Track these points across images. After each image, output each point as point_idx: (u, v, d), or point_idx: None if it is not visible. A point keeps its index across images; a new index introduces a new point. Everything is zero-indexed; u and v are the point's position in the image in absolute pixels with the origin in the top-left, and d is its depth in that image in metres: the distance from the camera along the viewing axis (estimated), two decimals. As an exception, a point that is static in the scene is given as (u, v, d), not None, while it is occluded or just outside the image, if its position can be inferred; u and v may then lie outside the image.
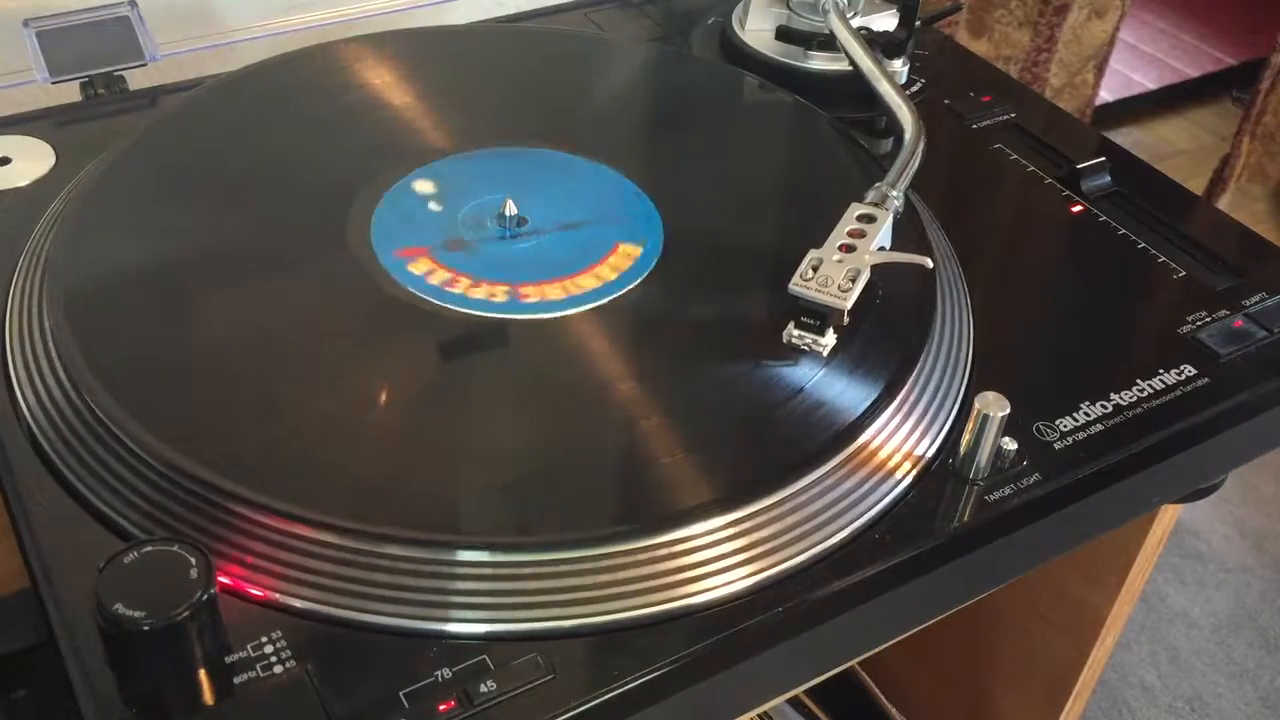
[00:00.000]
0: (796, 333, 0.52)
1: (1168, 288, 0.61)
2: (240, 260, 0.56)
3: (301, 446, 0.47)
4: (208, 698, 0.40)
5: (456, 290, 0.54)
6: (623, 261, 0.57)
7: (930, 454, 0.51)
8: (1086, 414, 0.53)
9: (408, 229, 0.58)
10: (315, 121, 0.66)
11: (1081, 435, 0.52)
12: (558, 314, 0.54)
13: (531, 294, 0.55)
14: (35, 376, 0.50)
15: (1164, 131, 1.79)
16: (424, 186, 0.61)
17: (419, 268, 0.55)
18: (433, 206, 0.60)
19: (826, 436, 0.49)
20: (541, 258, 0.57)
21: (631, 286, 0.56)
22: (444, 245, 0.57)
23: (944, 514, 0.49)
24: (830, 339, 0.52)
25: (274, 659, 0.41)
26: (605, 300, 0.55)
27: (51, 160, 0.63)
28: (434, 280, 0.55)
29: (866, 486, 0.48)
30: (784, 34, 0.74)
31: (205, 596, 0.39)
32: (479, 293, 0.54)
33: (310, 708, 0.40)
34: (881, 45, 0.72)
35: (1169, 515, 0.67)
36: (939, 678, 0.88)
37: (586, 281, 0.56)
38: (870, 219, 0.55)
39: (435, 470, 0.47)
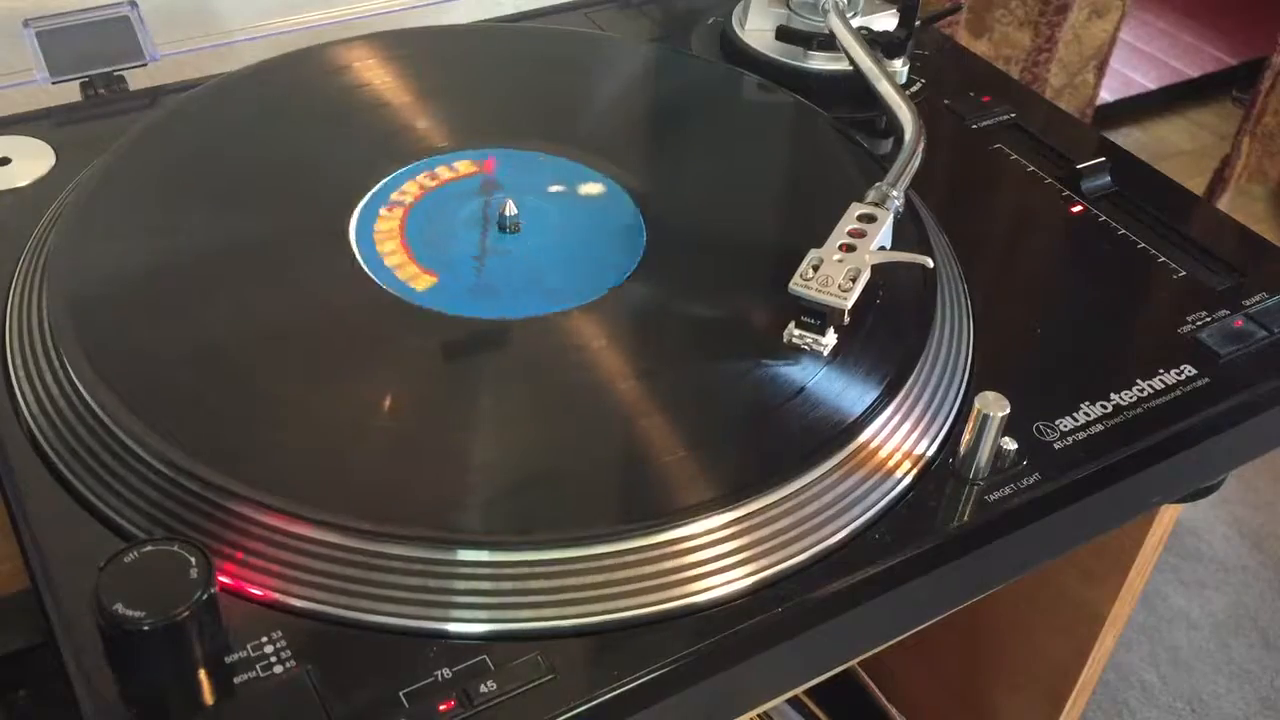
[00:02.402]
0: (797, 332, 0.52)
1: (1168, 288, 0.61)
2: (240, 260, 0.56)
3: (302, 446, 0.47)
4: (208, 698, 0.40)
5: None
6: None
7: (930, 454, 0.50)
8: (1086, 414, 0.53)
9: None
10: (315, 121, 0.66)
11: (1081, 435, 0.52)
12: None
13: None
14: (35, 376, 0.50)
15: (1164, 131, 1.79)
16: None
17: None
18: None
19: (827, 436, 0.49)
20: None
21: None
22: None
23: (944, 514, 0.48)
24: (831, 338, 0.52)
25: (274, 659, 0.41)
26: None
27: (51, 160, 0.63)
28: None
29: (866, 486, 0.48)
30: (784, 34, 0.74)
31: (205, 596, 0.39)
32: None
33: (310, 708, 0.40)
34: (881, 45, 0.72)
35: (1169, 515, 0.67)
36: (939, 678, 0.88)
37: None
38: (870, 219, 0.55)
39: (435, 470, 0.47)
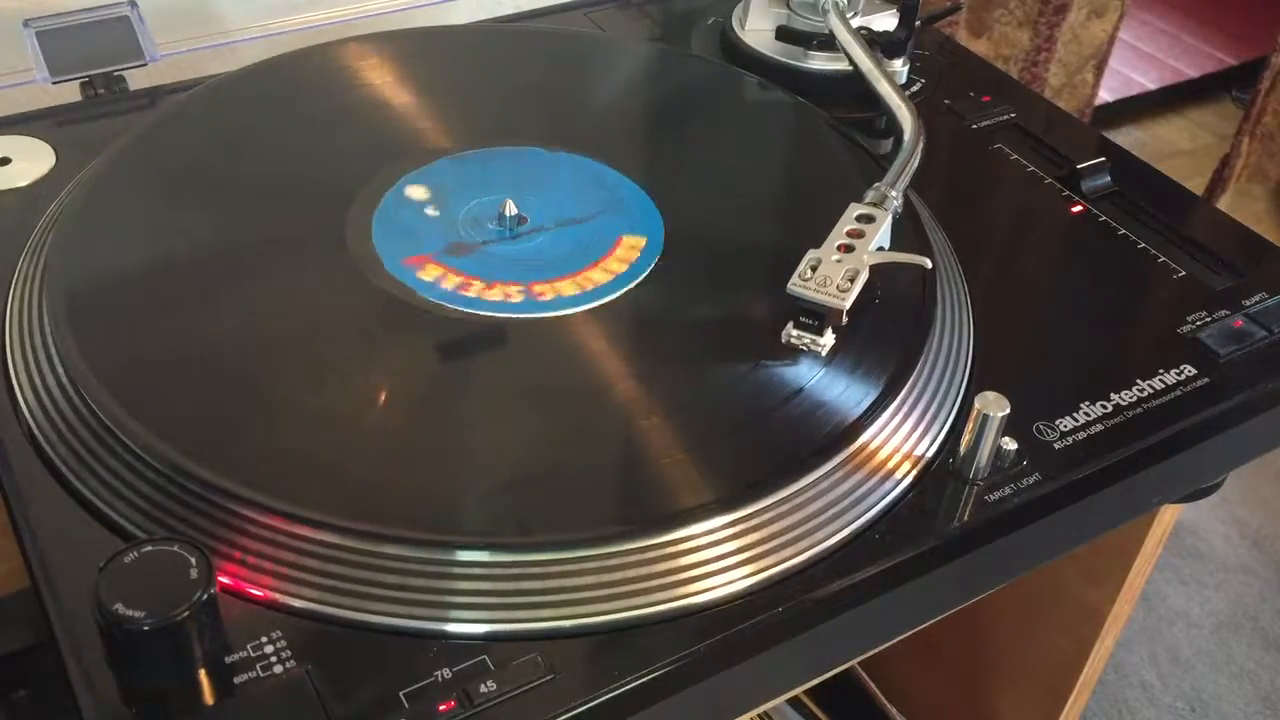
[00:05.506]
0: (795, 333, 0.52)
1: (1168, 288, 0.61)
2: (239, 260, 0.56)
3: (302, 446, 0.47)
4: (208, 698, 0.40)
5: (470, 294, 0.54)
6: (630, 254, 0.57)
7: (930, 454, 0.50)
8: (1086, 414, 0.53)
9: (409, 229, 0.58)
10: (315, 121, 0.66)
11: (1081, 435, 0.52)
12: (560, 313, 0.54)
13: (546, 291, 0.55)
14: (35, 376, 0.50)
15: (1164, 131, 1.79)
16: (424, 187, 0.61)
17: (426, 274, 0.55)
18: (432, 208, 0.60)
19: (826, 436, 0.49)
20: (546, 256, 0.57)
21: (641, 279, 0.56)
22: (446, 248, 0.57)
23: (944, 514, 0.48)
24: (829, 339, 0.52)
25: (274, 659, 0.41)
26: (621, 292, 0.55)
27: (51, 160, 0.63)
28: (447, 285, 0.55)
29: (866, 486, 0.48)
30: (784, 34, 0.74)
31: (205, 596, 0.39)
32: (494, 295, 0.54)
33: (310, 708, 0.40)
34: (881, 45, 0.72)
35: (1169, 515, 0.67)
36: (939, 678, 0.88)
37: (598, 275, 0.56)
38: (869, 219, 0.55)
39: (435, 470, 0.47)
